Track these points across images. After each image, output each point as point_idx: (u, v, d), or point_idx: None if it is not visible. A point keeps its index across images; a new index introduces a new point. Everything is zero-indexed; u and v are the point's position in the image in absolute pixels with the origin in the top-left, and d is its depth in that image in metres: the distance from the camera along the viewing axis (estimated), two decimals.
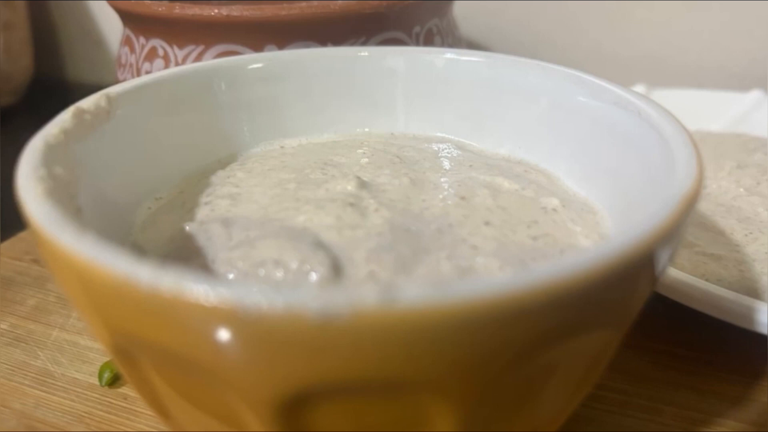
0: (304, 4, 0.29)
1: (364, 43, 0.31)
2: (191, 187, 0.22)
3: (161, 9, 0.30)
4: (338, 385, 0.12)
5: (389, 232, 0.18)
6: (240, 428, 0.14)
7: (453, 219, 0.19)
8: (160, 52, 0.32)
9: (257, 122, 0.25)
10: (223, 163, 0.24)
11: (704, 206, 0.30)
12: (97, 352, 0.25)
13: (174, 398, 0.15)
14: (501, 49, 0.52)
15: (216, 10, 0.29)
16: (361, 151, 0.24)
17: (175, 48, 0.31)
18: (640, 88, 0.40)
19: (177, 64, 0.31)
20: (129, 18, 0.33)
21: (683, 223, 0.14)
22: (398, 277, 0.16)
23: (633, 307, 0.15)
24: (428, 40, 0.34)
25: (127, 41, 0.34)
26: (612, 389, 0.23)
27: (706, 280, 0.24)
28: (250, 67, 0.25)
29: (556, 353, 0.14)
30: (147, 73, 0.32)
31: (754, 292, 0.25)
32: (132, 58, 0.33)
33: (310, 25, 0.29)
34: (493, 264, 0.17)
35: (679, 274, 0.23)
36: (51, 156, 0.17)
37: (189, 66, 0.24)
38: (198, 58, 0.31)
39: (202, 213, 0.20)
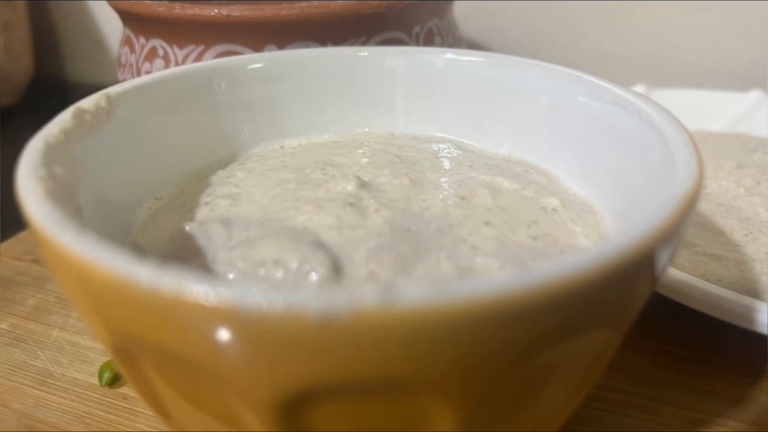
0: (304, 4, 0.29)
1: (364, 43, 0.31)
2: (191, 187, 0.22)
3: (161, 9, 0.30)
4: (338, 385, 0.12)
5: (389, 232, 0.18)
6: (240, 428, 0.14)
7: (453, 219, 0.19)
8: (160, 52, 0.32)
9: (257, 122, 0.25)
10: (223, 163, 0.24)
11: (704, 206, 0.30)
12: (97, 352, 0.25)
13: (174, 398, 0.15)
14: (501, 49, 0.52)
15: (216, 10, 0.29)
16: (361, 151, 0.24)
17: (175, 48, 0.31)
18: (640, 88, 0.40)
19: (177, 64, 0.31)
20: (129, 18, 0.33)
21: (683, 223, 0.14)
22: (398, 277, 0.16)
23: (633, 307, 0.15)
24: (428, 40, 0.34)
25: (127, 41, 0.34)
26: (612, 389, 0.23)
27: (706, 280, 0.24)
28: (250, 67, 0.25)
29: (556, 353, 0.14)
30: (147, 73, 0.32)
31: (754, 292, 0.25)
32: (132, 58, 0.33)
33: (310, 25, 0.29)
34: (493, 264, 0.17)
35: (679, 274, 0.23)
36: (51, 156, 0.17)
37: (189, 66, 0.24)
38: (198, 58, 0.31)
39: (202, 213, 0.20)
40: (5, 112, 0.56)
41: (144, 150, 0.22)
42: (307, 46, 0.30)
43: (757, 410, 0.23)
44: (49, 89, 0.63)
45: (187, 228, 0.19)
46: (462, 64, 0.25)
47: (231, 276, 0.17)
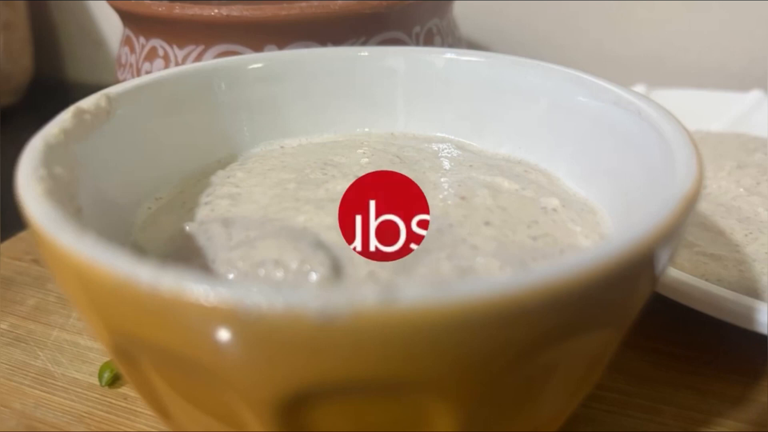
0: (304, 4, 0.29)
1: (364, 43, 0.31)
2: (191, 187, 0.22)
3: (161, 9, 0.30)
4: (338, 385, 0.12)
5: None
6: (240, 428, 0.14)
7: (453, 219, 0.19)
8: (160, 52, 0.32)
9: (257, 122, 0.25)
10: (223, 163, 0.24)
11: (704, 206, 0.30)
12: (97, 352, 0.25)
13: (174, 398, 0.15)
14: (501, 49, 0.52)
15: (216, 10, 0.29)
16: (361, 151, 0.24)
17: (175, 48, 0.31)
18: (640, 88, 0.40)
19: (177, 64, 0.31)
20: (129, 18, 0.33)
21: (683, 223, 0.14)
22: (398, 277, 0.16)
23: (633, 307, 0.15)
24: (428, 40, 0.34)
25: (127, 41, 0.34)
26: (612, 389, 0.23)
27: (706, 280, 0.24)
28: (250, 67, 0.25)
29: (556, 353, 0.14)
30: (147, 73, 0.32)
31: (754, 292, 0.25)
32: (132, 58, 0.33)
33: (310, 25, 0.29)
34: (493, 264, 0.17)
35: (679, 274, 0.23)
36: (51, 156, 0.17)
37: (189, 66, 0.24)
38: (198, 58, 0.31)
39: (202, 213, 0.20)
40: (5, 112, 0.56)
41: (144, 150, 0.22)
42: (307, 46, 0.30)
43: (757, 410, 0.23)
44: (49, 89, 0.63)
45: (187, 228, 0.19)
46: (462, 64, 0.25)
47: (231, 276, 0.17)
